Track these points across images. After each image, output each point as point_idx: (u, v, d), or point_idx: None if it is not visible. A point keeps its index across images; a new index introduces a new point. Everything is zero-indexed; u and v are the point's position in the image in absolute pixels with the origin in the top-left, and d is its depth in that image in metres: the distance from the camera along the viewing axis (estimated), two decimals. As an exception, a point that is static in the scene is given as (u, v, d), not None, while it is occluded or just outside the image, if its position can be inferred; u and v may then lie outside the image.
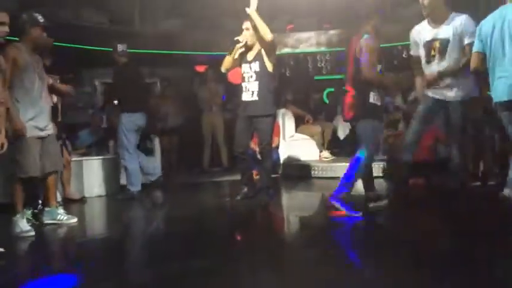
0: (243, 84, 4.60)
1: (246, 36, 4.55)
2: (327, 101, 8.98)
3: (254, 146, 6.84)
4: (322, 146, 7.25)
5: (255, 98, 4.52)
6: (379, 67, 3.99)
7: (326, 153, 7.16)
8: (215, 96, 7.77)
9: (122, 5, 6.00)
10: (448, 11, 3.94)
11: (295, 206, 5.20)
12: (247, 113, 4.58)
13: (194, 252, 3.17)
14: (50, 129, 3.93)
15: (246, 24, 4.54)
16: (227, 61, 4.66)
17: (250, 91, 4.54)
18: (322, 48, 8.50)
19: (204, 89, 7.80)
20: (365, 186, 4.25)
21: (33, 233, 3.68)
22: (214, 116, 7.72)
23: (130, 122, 5.28)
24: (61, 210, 4.10)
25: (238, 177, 6.39)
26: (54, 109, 4.66)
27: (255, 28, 4.43)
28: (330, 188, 5.82)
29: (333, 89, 8.96)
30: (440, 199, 4.17)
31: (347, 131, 7.33)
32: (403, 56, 7.36)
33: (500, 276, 2.49)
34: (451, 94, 3.94)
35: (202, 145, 7.75)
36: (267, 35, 4.39)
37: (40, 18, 3.81)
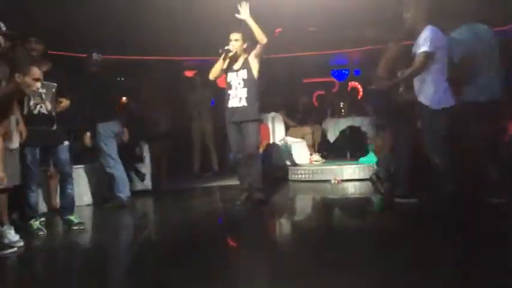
0: (230, 92, 4.78)
1: (236, 46, 4.73)
2: (317, 104, 9.04)
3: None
4: (312, 149, 7.27)
5: (244, 104, 4.70)
6: (399, 73, 4.31)
7: (316, 156, 7.17)
8: (204, 102, 7.76)
9: (110, 10, 5.95)
10: (426, 23, 3.97)
11: (286, 209, 5.19)
12: (235, 118, 4.74)
13: (188, 257, 3.15)
14: (16, 142, 3.78)
15: (235, 36, 4.73)
16: (217, 69, 4.80)
17: (238, 97, 4.73)
18: (311, 52, 8.54)
19: (193, 94, 7.79)
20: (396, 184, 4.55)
21: (21, 243, 3.62)
22: (204, 121, 7.70)
23: (107, 130, 5.24)
24: (11, 231, 3.63)
25: (228, 182, 6.56)
26: (49, 118, 4.55)
27: (244, 39, 4.70)
28: (320, 191, 5.88)
29: (322, 92, 9.02)
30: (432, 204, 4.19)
31: (337, 134, 7.37)
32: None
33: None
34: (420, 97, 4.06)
35: (192, 150, 7.73)
36: (263, 39, 4.55)
37: (2, 26, 3.72)
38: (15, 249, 3.49)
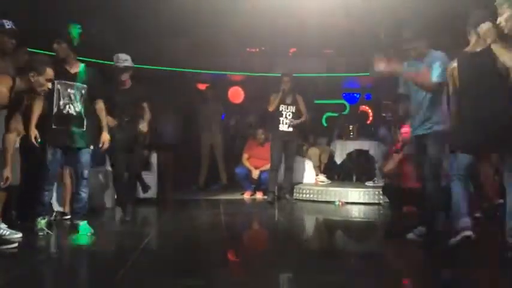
0: (281, 119, 6.38)
1: (286, 85, 6.26)
2: (326, 125, 9.03)
3: (251, 166, 6.91)
4: (318, 169, 7.26)
5: (291, 129, 6.40)
6: None
7: (322, 177, 7.17)
8: (215, 115, 7.81)
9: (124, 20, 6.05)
10: None
11: (288, 228, 5.17)
12: (284, 138, 6.38)
13: (187, 269, 3.14)
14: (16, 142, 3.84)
15: (287, 78, 6.30)
16: (275, 103, 6.31)
17: (287, 124, 6.37)
18: (323, 73, 8.58)
19: (205, 107, 7.84)
20: None
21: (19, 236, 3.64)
22: (214, 135, 7.74)
23: None
24: (3, 225, 3.67)
25: (234, 196, 6.74)
26: (78, 119, 4.47)
27: (292, 80, 6.33)
28: (323, 211, 5.86)
29: (331, 113, 9.02)
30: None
31: (344, 156, 7.37)
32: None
33: None
34: None
35: (199, 163, 7.75)
36: (305, 116, 6.47)
37: (7, 25, 3.86)
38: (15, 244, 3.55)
